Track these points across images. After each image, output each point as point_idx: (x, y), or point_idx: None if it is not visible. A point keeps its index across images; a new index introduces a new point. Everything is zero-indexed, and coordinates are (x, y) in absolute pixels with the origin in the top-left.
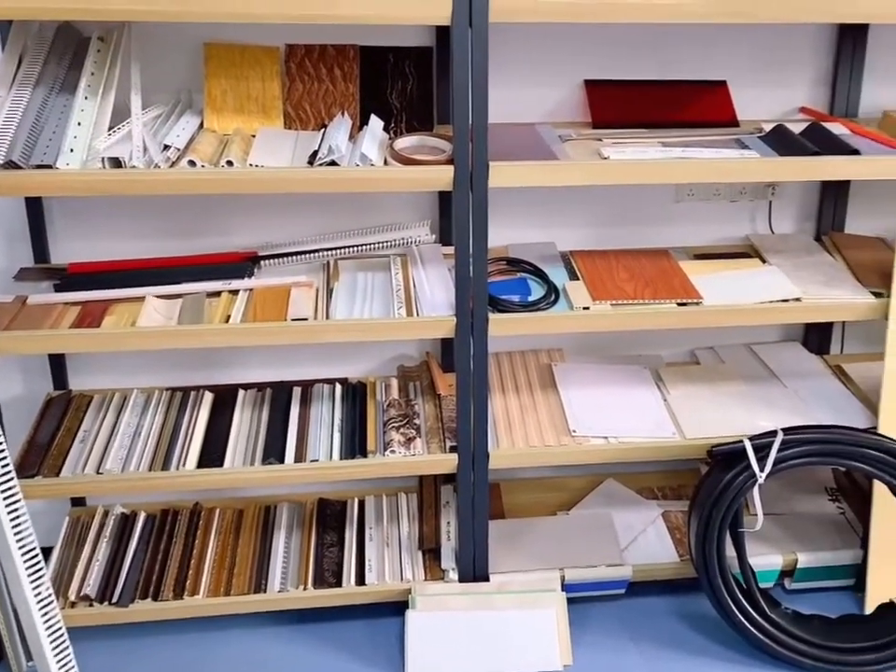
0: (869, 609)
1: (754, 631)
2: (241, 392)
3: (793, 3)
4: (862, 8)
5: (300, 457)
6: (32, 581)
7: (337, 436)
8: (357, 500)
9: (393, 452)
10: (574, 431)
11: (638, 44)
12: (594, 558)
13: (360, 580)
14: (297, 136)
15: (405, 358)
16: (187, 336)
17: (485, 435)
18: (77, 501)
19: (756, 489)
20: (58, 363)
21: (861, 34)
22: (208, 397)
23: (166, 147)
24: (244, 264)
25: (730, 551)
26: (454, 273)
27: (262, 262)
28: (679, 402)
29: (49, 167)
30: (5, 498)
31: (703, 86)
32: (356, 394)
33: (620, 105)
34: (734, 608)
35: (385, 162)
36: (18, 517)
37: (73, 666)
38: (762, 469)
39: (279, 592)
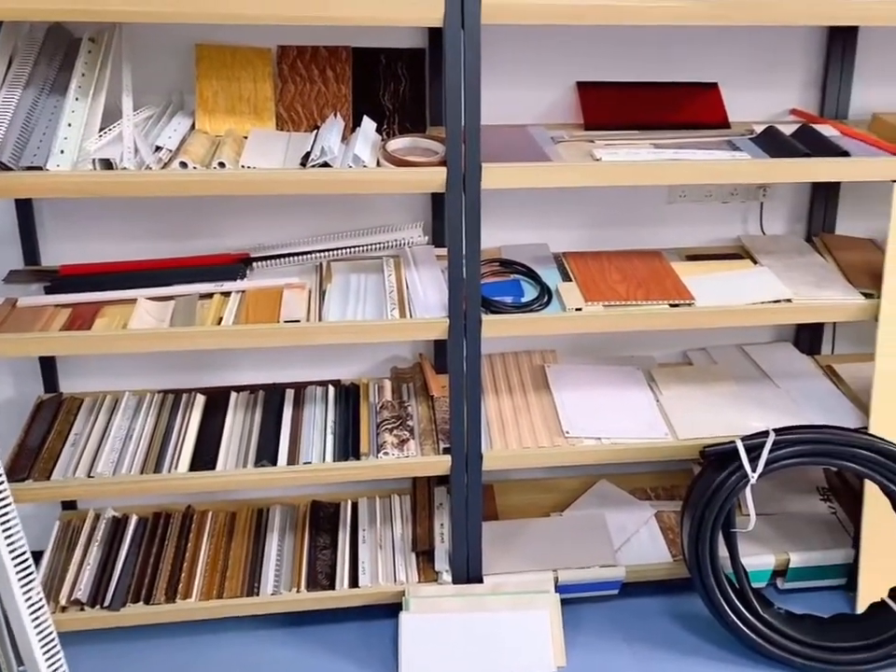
0: (861, 608)
1: (747, 631)
2: (233, 394)
3: (783, 5)
4: (852, 11)
5: (292, 460)
6: (22, 586)
7: (330, 438)
8: (350, 502)
9: (386, 454)
10: (567, 432)
11: (630, 46)
12: (587, 559)
13: (354, 582)
14: (289, 138)
15: (398, 360)
16: (178, 338)
17: (479, 436)
18: (68, 505)
19: (748, 489)
20: (48, 366)
21: (850, 36)
22: (200, 399)
23: (157, 149)
24: (236, 266)
25: (722, 551)
26: (446, 275)
27: (255, 264)
28: (671, 403)
29: (40, 169)
30: None
31: (694, 88)
32: (349, 396)
33: (612, 107)
34: (726, 608)
35: (378, 164)
36: (8, 521)
37: (64, 671)
38: (754, 470)
39: (272, 594)
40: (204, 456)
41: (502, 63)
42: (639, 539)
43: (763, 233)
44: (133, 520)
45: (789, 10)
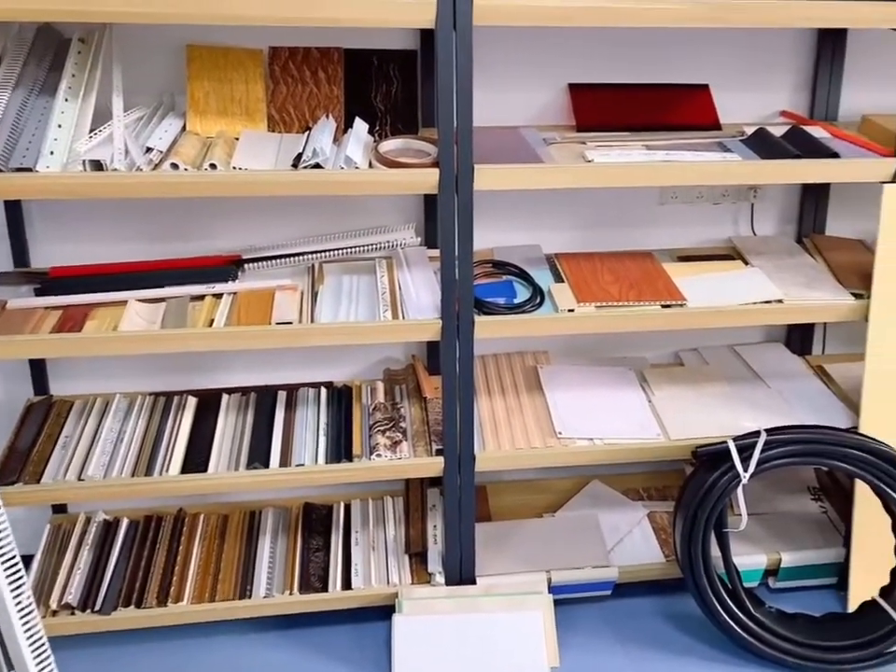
0: (852, 607)
1: (739, 630)
2: (225, 396)
3: (772, 8)
4: (840, 13)
5: (285, 462)
6: (12, 590)
7: (322, 440)
8: (342, 504)
9: (379, 455)
10: (560, 433)
11: (622, 48)
12: (580, 560)
13: (346, 584)
14: (281, 139)
15: (391, 361)
16: (170, 340)
17: (471, 437)
18: (59, 508)
19: (740, 489)
20: (38, 368)
21: (840, 38)
22: (192, 401)
23: (148, 150)
24: (227, 268)
25: (715, 551)
26: (439, 276)
27: (246, 266)
28: (663, 403)
29: (29, 170)
30: None
31: (685, 89)
32: (341, 397)
33: (604, 109)
34: (719, 607)
35: (370, 165)
36: None
37: None
38: (745, 470)
39: (264, 597)
40: (196, 459)
41: (494, 65)
42: (632, 540)
43: (754, 234)
44: (124, 523)
45: (778, 13)
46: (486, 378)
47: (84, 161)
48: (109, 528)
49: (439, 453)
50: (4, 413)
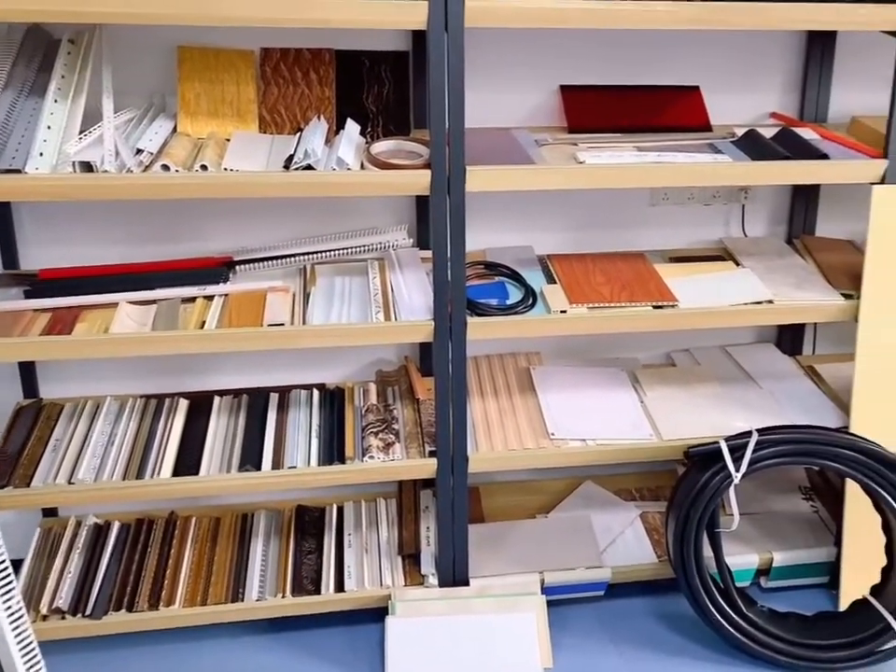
0: (843, 606)
1: (732, 630)
2: (217, 399)
3: (763, 10)
4: (830, 16)
5: (277, 464)
6: (2, 595)
7: (315, 442)
8: (335, 506)
9: (371, 457)
10: (552, 434)
11: (613, 49)
12: (573, 560)
13: (339, 586)
14: (272, 140)
15: (383, 363)
16: (161, 342)
17: (464, 439)
18: (49, 512)
19: (732, 489)
20: (28, 371)
21: (829, 40)
22: (183, 404)
23: (139, 152)
24: (219, 269)
25: (707, 551)
26: (431, 277)
27: (238, 267)
28: (655, 404)
29: (18, 171)
30: None
31: (676, 91)
32: (333, 399)
33: (595, 110)
34: (711, 607)
35: (362, 167)
36: None
37: None
38: (737, 470)
39: (257, 600)
40: (188, 461)
41: (486, 67)
42: (625, 540)
43: (745, 235)
44: (116, 526)
45: (768, 15)
46: (479, 379)
47: (74, 163)
48: (100, 532)
49: (431, 454)
50: None
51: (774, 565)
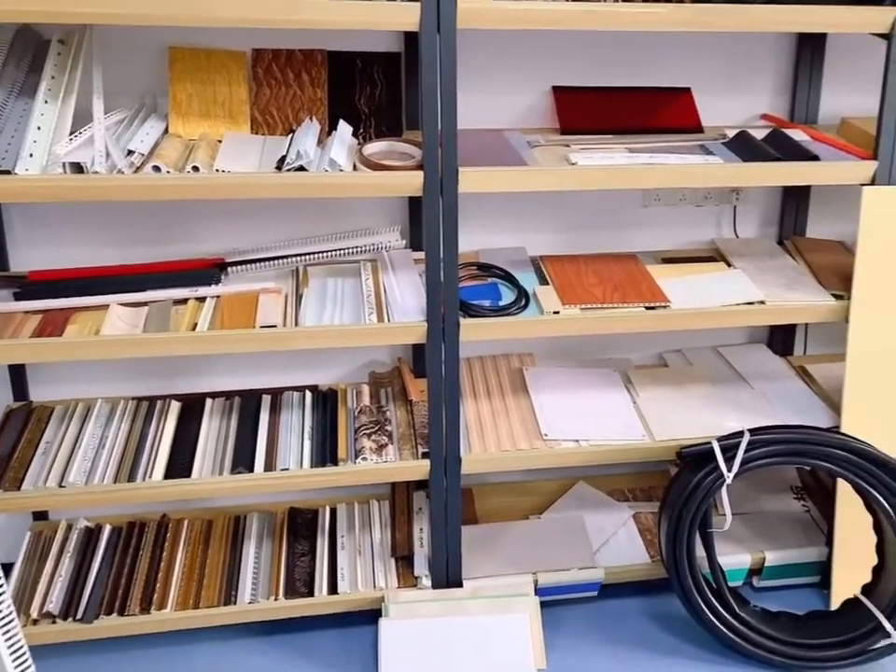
0: (835, 605)
1: (724, 630)
2: (209, 401)
3: (754, 12)
4: (819, 18)
5: (269, 466)
6: None
7: (307, 444)
8: (328, 508)
9: (364, 459)
10: (545, 435)
11: (605, 51)
12: (566, 561)
13: (332, 588)
14: (264, 141)
15: (376, 365)
16: (152, 344)
17: (457, 440)
18: (40, 515)
19: (724, 489)
20: (18, 373)
21: (819, 43)
22: (175, 406)
23: (130, 153)
24: (211, 271)
25: (700, 551)
26: (424, 279)
27: (230, 269)
28: (648, 405)
29: (8, 173)
30: None
31: (668, 93)
32: (326, 401)
33: (587, 112)
34: (704, 607)
35: (354, 168)
36: None
37: None
38: (729, 470)
39: (249, 603)
40: (180, 464)
41: (478, 68)
42: (618, 541)
43: (737, 236)
44: (107, 530)
45: (759, 17)
46: (472, 380)
47: (64, 164)
48: (91, 535)
49: (425, 456)
50: None
51: (766, 564)
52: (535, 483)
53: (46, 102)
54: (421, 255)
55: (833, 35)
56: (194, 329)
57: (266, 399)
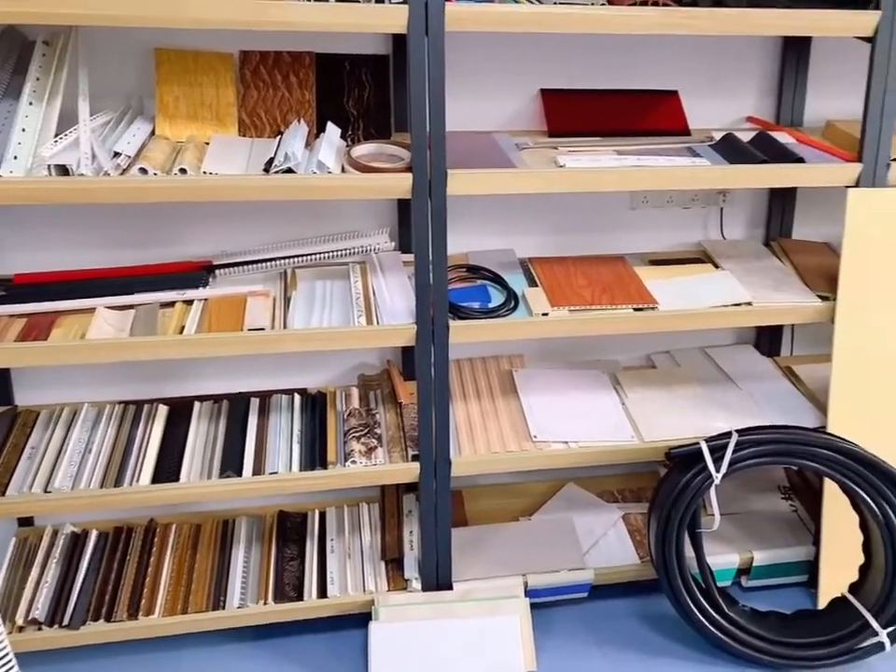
0: (822, 604)
1: (713, 630)
2: (196, 404)
3: (740, 16)
4: (804, 22)
5: (258, 470)
6: None
7: (296, 447)
8: (317, 512)
9: (354, 462)
10: (535, 436)
11: (593, 54)
12: (556, 563)
13: (322, 592)
14: (252, 144)
15: (365, 367)
16: (139, 348)
17: (447, 442)
18: (25, 521)
19: (713, 490)
20: (2, 378)
21: (804, 46)
22: (162, 410)
23: (116, 155)
24: (198, 273)
25: (689, 551)
26: (413, 281)
27: (217, 271)
28: (636, 406)
29: None
30: None
31: (655, 95)
32: (315, 404)
33: (575, 114)
34: (693, 607)
35: (343, 170)
36: None
37: None
38: (718, 470)
39: (238, 608)
40: (167, 468)
41: (467, 70)
42: (607, 542)
43: (724, 238)
44: (93, 535)
45: (745, 21)
46: (461, 382)
47: (49, 166)
48: (77, 541)
49: (414, 458)
50: None
51: (754, 564)
52: (524, 484)
53: (30, 103)
54: (410, 257)
55: (818, 39)
56: (182, 332)
57: (255, 403)
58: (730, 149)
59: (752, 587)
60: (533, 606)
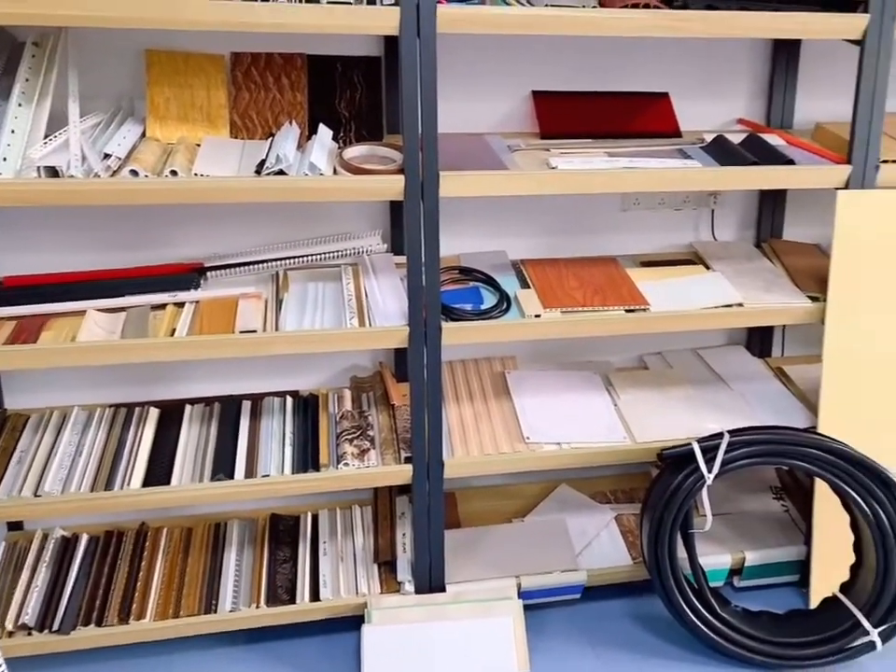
0: (813, 603)
1: (706, 630)
2: (188, 407)
3: (730, 19)
4: (794, 25)
5: (250, 473)
6: None
7: (289, 450)
8: (310, 514)
9: (346, 464)
10: (528, 438)
11: (585, 56)
12: (549, 564)
13: (315, 595)
14: (243, 145)
15: (358, 369)
16: (130, 350)
17: (440, 444)
18: (14, 525)
19: (705, 490)
20: None
21: (794, 49)
22: (154, 412)
23: (106, 156)
24: (189, 275)
25: (681, 552)
26: (406, 283)
27: (209, 274)
28: (629, 407)
29: None
30: None
31: (646, 97)
32: (307, 406)
33: (567, 116)
34: (686, 608)
35: (335, 172)
36: None
37: None
38: (710, 471)
39: (231, 611)
40: (158, 471)
41: (458, 72)
42: (600, 543)
43: (715, 239)
44: (84, 539)
45: (735, 24)
46: (454, 384)
47: (39, 168)
48: (68, 545)
49: (407, 460)
50: None
51: (746, 564)
52: (517, 486)
53: (20, 105)
54: (402, 259)
55: (808, 42)
56: (173, 334)
57: (246, 405)
58: (721, 151)
59: (744, 587)
60: (526, 607)
